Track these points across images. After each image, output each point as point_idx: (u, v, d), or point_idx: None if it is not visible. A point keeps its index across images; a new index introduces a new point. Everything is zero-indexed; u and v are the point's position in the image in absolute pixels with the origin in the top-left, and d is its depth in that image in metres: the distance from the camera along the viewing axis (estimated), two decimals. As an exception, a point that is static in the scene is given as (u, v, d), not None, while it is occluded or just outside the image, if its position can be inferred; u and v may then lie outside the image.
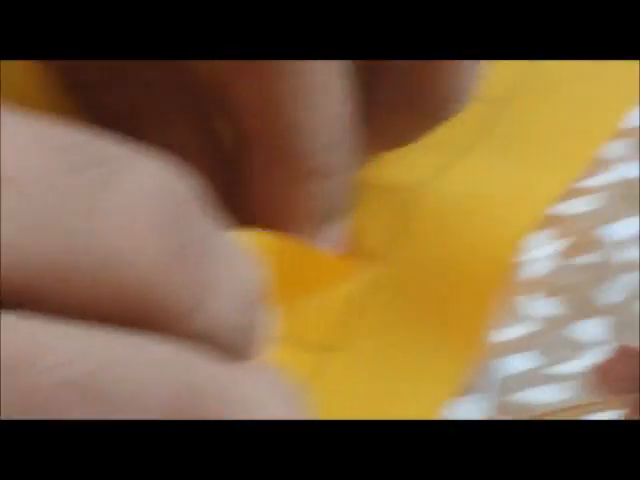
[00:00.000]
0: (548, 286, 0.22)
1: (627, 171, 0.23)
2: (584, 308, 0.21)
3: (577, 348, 0.21)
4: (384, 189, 0.24)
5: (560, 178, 0.24)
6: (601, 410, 0.20)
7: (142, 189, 0.15)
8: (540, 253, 0.22)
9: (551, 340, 0.21)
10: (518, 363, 0.21)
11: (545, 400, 0.20)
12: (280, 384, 0.17)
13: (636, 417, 0.19)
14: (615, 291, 0.21)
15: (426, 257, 0.23)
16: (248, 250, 0.18)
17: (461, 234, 0.23)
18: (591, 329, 0.21)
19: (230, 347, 0.17)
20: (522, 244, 0.22)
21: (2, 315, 0.14)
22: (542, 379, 0.20)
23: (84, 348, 0.14)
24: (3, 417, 0.14)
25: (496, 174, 0.24)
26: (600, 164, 0.24)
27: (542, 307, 0.21)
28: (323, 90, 0.22)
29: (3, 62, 0.26)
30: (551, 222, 0.23)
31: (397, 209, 0.23)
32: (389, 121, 0.23)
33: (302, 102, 0.21)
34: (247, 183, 0.23)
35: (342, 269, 0.22)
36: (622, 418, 0.19)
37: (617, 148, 0.24)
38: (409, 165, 0.24)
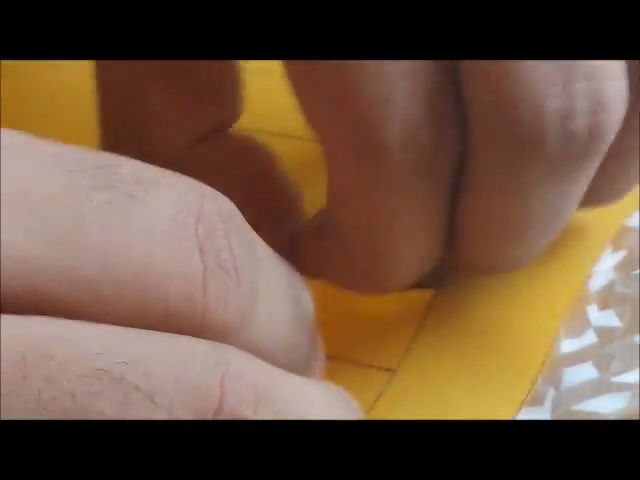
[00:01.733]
0: (605, 298, 0.22)
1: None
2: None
3: (635, 358, 0.21)
4: None
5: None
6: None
7: (169, 207, 0.15)
8: (598, 266, 0.23)
9: (610, 351, 0.22)
10: (579, 374, 0.21)
11: (607, 409, 0.21)
12: (333, 395, 0.17)
13: None
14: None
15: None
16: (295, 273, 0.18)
17: None
18: None
19: (283, 366, 0.16)
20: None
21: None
22: (603, 389, 0.21)
23: (114, 342, 0.14)
24: (22, 410, 0.13)
25: None
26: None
27: (599, 319, 0.22)
28: None
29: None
30: None
31: None
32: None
33: None
34: None
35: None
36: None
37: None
38: None
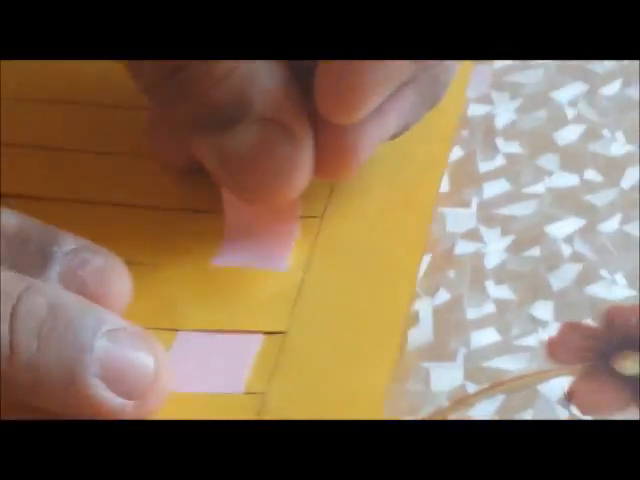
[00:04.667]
0: (499, 275, 0.25)
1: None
2: (533, 293, 0.25)
3: (532, 325, 0.24)
4: None
5: None
6: (554, 377, 0.23)
7: None
8: (491, 247, 0.26)
9: (508, 319, 0.24)
10: (484, 337, 0.24)
11: (512, 367, 0.23)
12: None
13: (582, 385, 0.23)
14: (557, 279, 0.25)
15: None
16: None
17: None
18: (541, 310, 0.24)
19: None
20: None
21: None
22: (505, 350, 0.23)
23: None
24: None
25: None
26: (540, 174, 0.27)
27: (496, 292, 0.25)
28: None
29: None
30: (500, 221, 0.26)
31: None
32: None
33: None
34: None
35: None
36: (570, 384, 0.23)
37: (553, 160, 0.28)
38: None
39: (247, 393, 0.22)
